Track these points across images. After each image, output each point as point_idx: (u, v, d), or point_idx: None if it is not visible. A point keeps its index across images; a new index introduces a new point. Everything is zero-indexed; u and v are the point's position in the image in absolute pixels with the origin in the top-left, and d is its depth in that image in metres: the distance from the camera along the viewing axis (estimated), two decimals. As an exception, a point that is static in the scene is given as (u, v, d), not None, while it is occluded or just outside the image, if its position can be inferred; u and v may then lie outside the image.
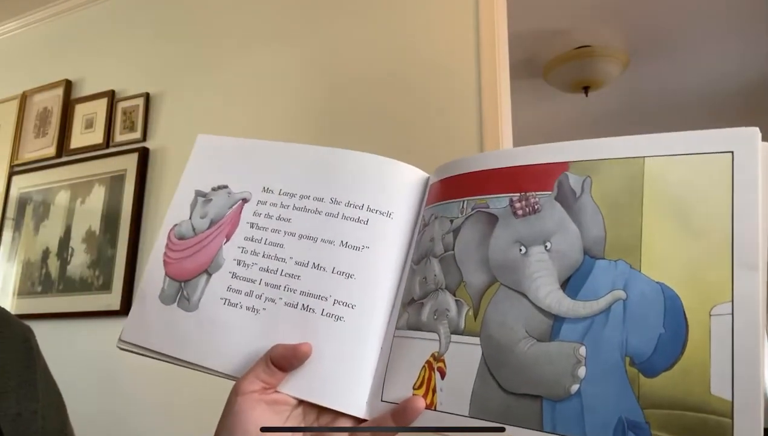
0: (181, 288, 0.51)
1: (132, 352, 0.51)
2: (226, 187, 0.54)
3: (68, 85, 1.98)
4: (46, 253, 1.84)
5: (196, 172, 0.56)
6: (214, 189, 0.55)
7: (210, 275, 0.51)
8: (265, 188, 0.53)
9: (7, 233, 1.93)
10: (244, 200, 0.53)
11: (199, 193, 0.55)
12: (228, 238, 0.52)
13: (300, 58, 1.60)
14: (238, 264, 0.51)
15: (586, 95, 2.73)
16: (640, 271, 0.38)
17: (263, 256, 0.50)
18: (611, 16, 2.29)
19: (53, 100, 1.98)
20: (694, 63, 2.61)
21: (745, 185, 0.36)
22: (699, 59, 2.59)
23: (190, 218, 0.54)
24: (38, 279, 1.82)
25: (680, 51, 2.52)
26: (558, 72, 2.63)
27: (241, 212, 0.53)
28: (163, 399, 1.51)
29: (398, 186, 0.51)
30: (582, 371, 0.37)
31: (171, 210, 0.55)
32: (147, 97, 1.81)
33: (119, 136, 1.82)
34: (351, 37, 1.53)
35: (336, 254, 0.49)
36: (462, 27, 1.37)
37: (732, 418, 0.33)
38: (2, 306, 0.52)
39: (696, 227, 0.37)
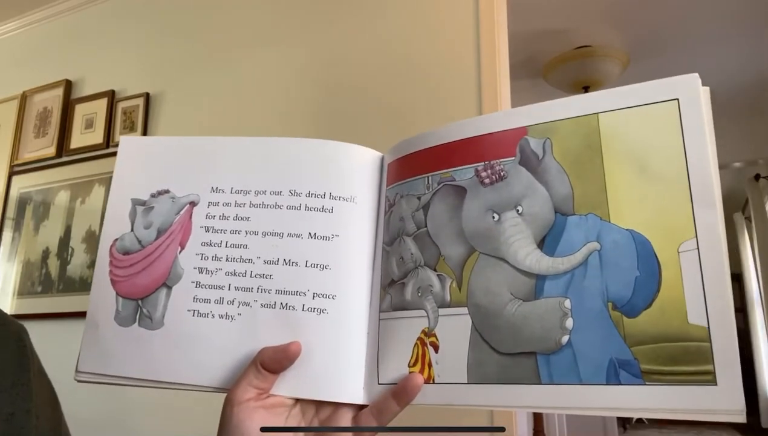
0: (139, 306, 0.48)
1: (94, 382, 0.48)
2: (167, 191, 0.51)
3: (68, 85, 1.98)
4: (46, 253, 1.84)
5: (127, 179, 0.52)
6: (153, 195, 0.51)
7: (170, 287, 0.48)
8: (214, 188, 0.50)
9: (7, 233, 1.93)
10: (192, 203, 0.50)
11: (136, 202, 0.51)
12: (182, 246, 0.49)
13: (299, 59, 1.60)
14: (201, 272, 0.48)
15: (586, 95, 2.73)
16: (609, 221, 0.40)
17: (227, 259, 0.48)
18: (611, 16, 2.29)
19: (53, 100, 1.99)
20: (694, 63, 2.61)
21: (694, 129, 0.39)
22: (699, 59, 2.59)
23: (133, 230, 0.50)
24: (38, 279, 1.82)
25: (680, 51, 2.52)
26: (558, 72, 2.64)
27: (191, 217, 0.50)
28: (163, 399, 1.51)
29: (355, 169, 0.50)
30: (569, 323, 0.39)
31: (107, 224, 0.51)
32: (147, 97, 1.81)
33: (119, 136, 1.82)
34: (351, 37, 1.54)
35: (306, 246, 0.47)
36: (462, 27, 1.38)
37: (710, 341, 0.36)
38: None
39: (655, 173, 0.39)
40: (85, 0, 2.04)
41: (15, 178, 1.98)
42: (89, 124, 1.89)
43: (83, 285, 1.74)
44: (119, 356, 0.48)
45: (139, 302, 0.49)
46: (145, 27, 1.91)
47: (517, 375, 0.40)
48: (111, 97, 1.87)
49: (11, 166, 2.01)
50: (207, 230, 0.49)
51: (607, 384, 0.37)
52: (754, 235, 3.73)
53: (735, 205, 3.99)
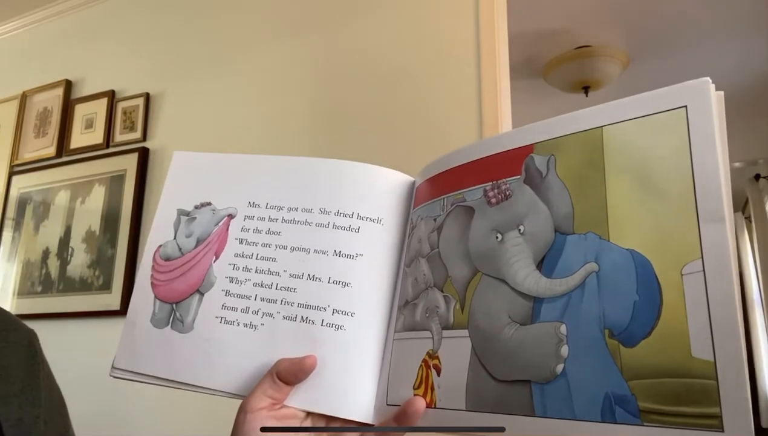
0: (173, 310, 0.51)
1: (127, 379, 0.50)
2: (209, 204, 0.54)
3: (68, 85, 1.98)
4: (46, 253, 1.84)
5: (175, 190, 0.56)
6: (197, 207, 0.54)
7: (202, 294, 0.51)
8: (251, 203, 0.53)
9: (7, 233, 1.93)
10: (230, 216, 0.53)
11: (181, 212, 0.54)
12: (217, 255, 0.52)
13: (299, 60, 1.60)
14: (231, 281, 0.50)
15: (586, 95, 2.73)
16: (609, 240, 0.37)
17: (256, 271, 0.50)
18: (611, 16, 2.29)
19: (53, 100, 1.99)
20: (694, 63, 2.61)
21: (702, 137, 0.35)
22: (699, 59, 2.58)
23: (175, 238, 0.53)
24: (38, 279, 1.82)
25: (680, 51, 2.52)
26: (558, 72, 2.63)
27: (228, 229, 0.52)
28: (164, 399, 1.51)
29: (385, 192, 0.51)
30: (565, 350, 0.37)
31: (153, 231, 0.54)
32: (147, 97, 1.81)
33: (119, 136, 1.82)
34: (351, 38, 1.53)
35: (330, 263, 0.49)
36: (462, 27, 1.37)
37: (716, 379, 0.31)
38: (7, 311, 0.51)
39: (658, 188, 0.36)
40: (85, 0, 2.04)
41: (15, 178, 1.98)
42: (89, 124, 1.89)
43: (83, 285, 1.74)
44: (151, 356, 0.50)
45: (174, 306, 0.51)
46: (145, 27, 1.91)
47: (512, 405, 0.38)
48: (111, 97, 1.87)
49: (11, 166, 2.01)
50: (241, 241, 0.52)
51: (602, 422, 0.34)
52: (754, 235, 3.73)
53: (735, 206, 3.99)
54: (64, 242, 1.81)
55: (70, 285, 1.76)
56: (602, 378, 0.35)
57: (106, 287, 1.69)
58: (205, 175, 0.55)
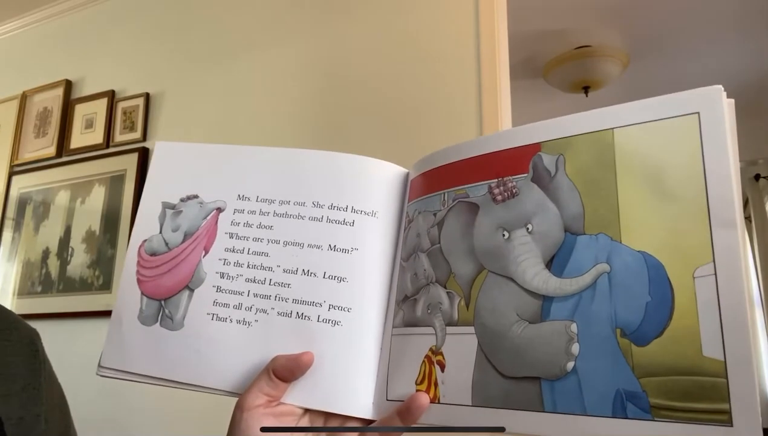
0: (162, 307, 0.49)
1: (115, 378, 0.49)
2: (196, 196, 0.52)
3: (68, 85, 1.98)
4: (46, 253, 1.84)
5: (159, 182, 0.53)
6: (183, 200, 0.52)
7: (192, 290, 0.49)
8: (241, 196, 0.51)
9: (7, 233, 1.93)
10: (219, 210, 0.51)
11: (166, 205, 0.52)
12: (207, 250, 0.50)
13: (299, 60, 1.60)
14: (222, 277, 0.49)
15: (586, 95, 2.73)
16: (620, 242, 0.38)
17: (248, 266, 0.49)
18: (611, 16, 2.29)
19: (53, 100, 1.99)
20: (694, 63, 2.61)
21: (714, 144, 0.36)
22: (699, 59, 2.59)
23: (161, 232, 0.51)
24: (38, 279, 1.82)
25: (680, 51, 2.52)
26: (558, 72, 2.63)
27: (217, 222, 0.50)
28: (164, 399, 1.51)
29: (379, 184, 0.50)
30: (575, 348, 0.37)
31: (137, 225, 0.52)
32: (147, 97, 1.81)
33: (119, 136, 1.82)
34: (351, 38, 1.54)
35: (325, 258, 0.48)
36: (462, 27, 1.38)
37: (726, 378, 0.33)
38: (9, 309, 0.51)
39: (671, 192, 0.37)
40: (85, 0, 2.04)
41: (15, 178, 1.98)
42: (89, 124, 1.89)
43: (83, 285, 1.74)
44: (140, 354, 0.49)
45: (162, 302, 0.49)
46: (145, 27, 1.91)
47: (521, 401, 0.38)
48: (111, 97, 1.87)
49: (11, 166, 2.01)
50: (231, 236, 0.50)
51: (612, 417, 0.35)
52: (754, 235, 3.73)
53: (735, 205, 3.98)
54: (64, 242, 1.81)
55: (70, 285, 1.76)
56: (613, 375, 0.36)
57: (106, 287, 1.69)
58: (190, 167, 0.53)
